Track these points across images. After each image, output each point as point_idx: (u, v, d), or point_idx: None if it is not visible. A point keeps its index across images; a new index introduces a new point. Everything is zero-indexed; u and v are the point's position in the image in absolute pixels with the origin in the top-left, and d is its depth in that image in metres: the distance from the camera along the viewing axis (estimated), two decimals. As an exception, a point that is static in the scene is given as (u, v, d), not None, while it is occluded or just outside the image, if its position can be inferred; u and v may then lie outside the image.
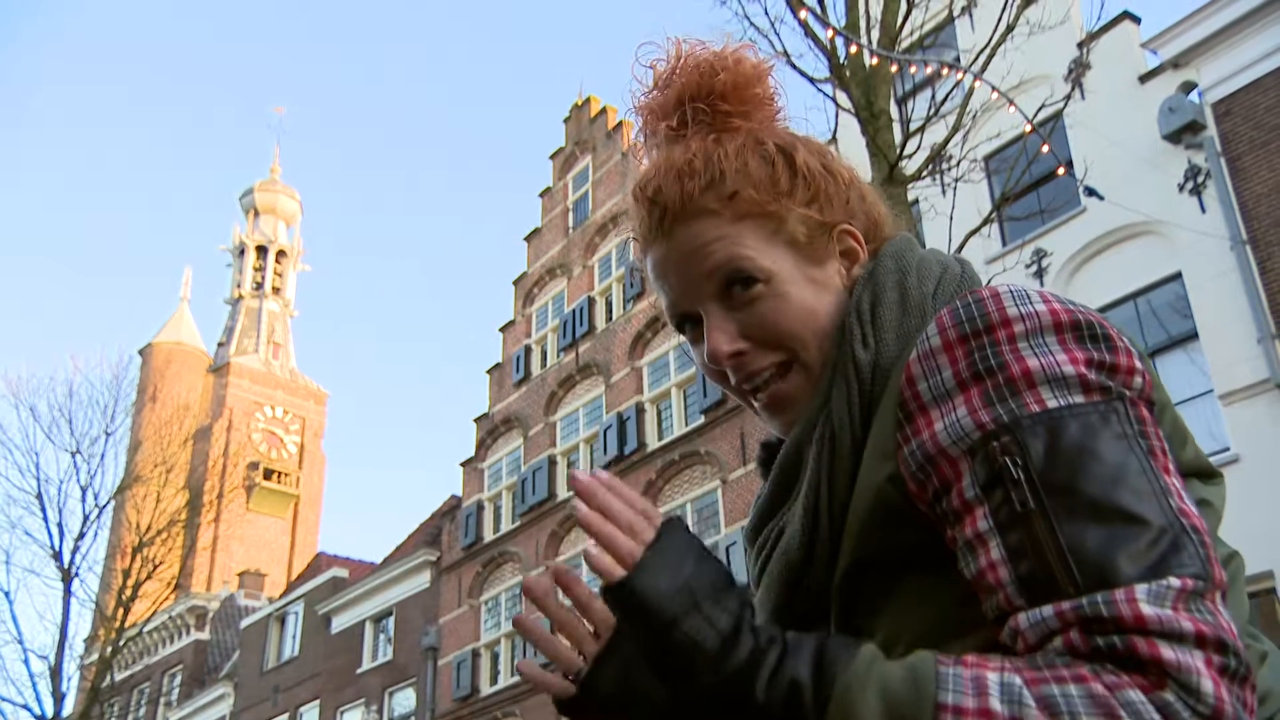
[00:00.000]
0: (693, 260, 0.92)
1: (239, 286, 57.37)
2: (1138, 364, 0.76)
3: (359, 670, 22.89)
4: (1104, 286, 11.84)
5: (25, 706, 19.28)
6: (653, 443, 18.06)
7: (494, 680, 19.62)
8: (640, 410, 18.52)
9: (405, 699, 21.64)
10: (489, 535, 20.96)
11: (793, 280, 0.92)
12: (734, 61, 0.97)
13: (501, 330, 23.17)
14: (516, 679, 18.87)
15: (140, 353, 48.61)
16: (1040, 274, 12.31)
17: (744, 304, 0.91)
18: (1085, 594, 0.68)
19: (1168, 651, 0.65)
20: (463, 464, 22.54)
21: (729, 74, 0.96)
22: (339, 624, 24.11)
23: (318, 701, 23.78)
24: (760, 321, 0.91)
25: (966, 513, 0.74)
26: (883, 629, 0.82)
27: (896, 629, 0.81)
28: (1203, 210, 11.13)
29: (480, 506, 21.43)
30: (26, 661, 19.18)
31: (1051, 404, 0.73)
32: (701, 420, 17.16)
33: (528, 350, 22.02)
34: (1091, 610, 0.67)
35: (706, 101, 0.96)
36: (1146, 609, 0.66)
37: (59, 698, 19.08)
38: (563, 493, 19.57)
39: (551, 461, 20.06)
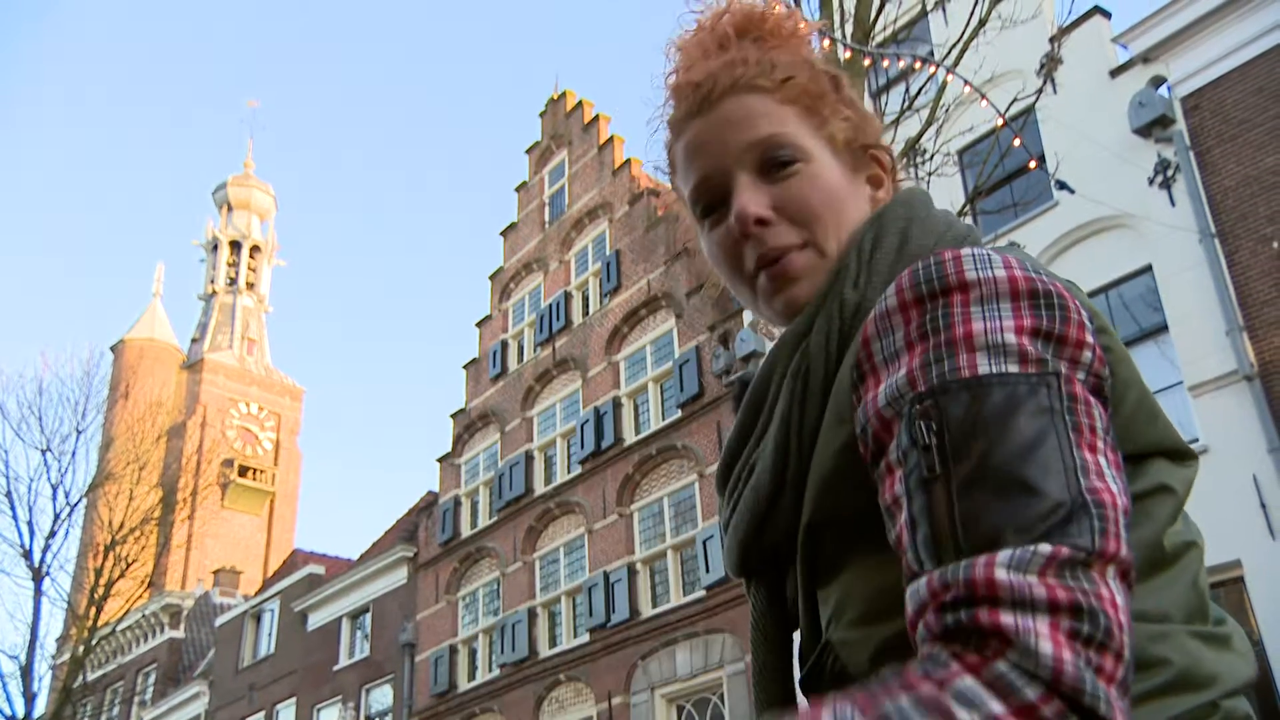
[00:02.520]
0: (736, 129, 0.93)
1: (213, 282, 56.85)
2: (1089, 338, 0.74)
3: (336, 667, 22.79)
4: (1076, 279, 11.62)
5: None
6: (630, 437, 18.06)
7: (472, 676, 19.59)
8: (617, 405, 18.52)
9: (383, 696, 21.56)
10: (466, 531, 20.91)
11: (830, 168, 0.93)
12: (778, 14, 1.00)
13: (478, 325, 23.10)
14: (494, 674, 18.86)
15: (112, 349, 48.07)
16: (1013, 267, 12.40)
17: (780, 180, 0.92)
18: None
19: (1007, 618, 0.63)
20: (440, 459, 22.47)
21: (774, 21, 0.99)
22: (315, 621, 23.98)
23: (294, 699, 23.65)
24: (794, 197, 0.92)
25: (889, 475, 0.73)
26: (835, 593, 0.83)
27: (845, 596, 0.82)
28: (1172, 204, 11.26)
29: (457, 502, 21.37)
30: (-7, 661, 18.98)
31: (983, 370, 0.71)
32: (678, 415, 17.19)
33: (504, 345, 21.97)
34: (951, 578, 0.65)
35: (753, 38, 0.98)
36: (1000, 574, 0.64)
37: (30, 698, 18.89)
38: (540, 488, 19.55)
39: (529, 457, 20.03)
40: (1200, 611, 0.78)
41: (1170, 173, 11.31)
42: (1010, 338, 0.72)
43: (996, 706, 0.60)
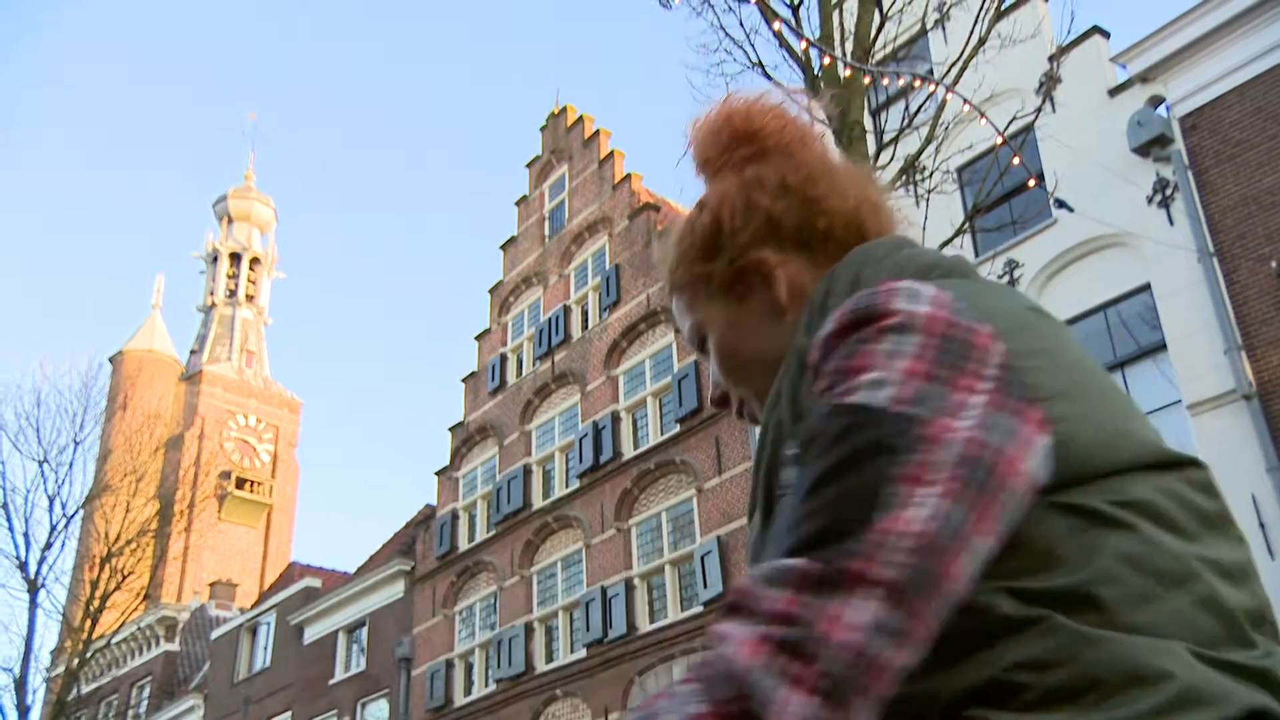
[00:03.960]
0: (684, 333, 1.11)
1: (212, 294, 56.86)
2: (982, 385, 0.73)
3: (331, 681, 22.69)
4: (1075, 297, 11.97)
5: None
6: (628, 451, 18.05)
7: (468, 691, 19.51)
8: (616, 419, 18.51)
9: (379, 710, 21.46)
10: (464, 544, 20.86)
11: (725, 326, 1.03)
12: (738, 110, 1.07)
13: (477, 339, 23.11)
14: (491, 689, 18.77)
15: (111, 360, 48.05)
16: (1013, 284, 12.43)
17: (709, 356, 1.06)
18: None
19: (724, 626, 0.69)
20: (438, 473, 22.43)
21: (733, 124, 1.06)
22: (311, 634, 23.89)
23: (289, 713, 23.53)
24: (719, 368, 1.04)
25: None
26: None
27: None
28: (1170, 223, 11.29)
29: (455, 516, 21.33)
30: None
31: (850, 400, 0.73)
32: (677, 429, 17.17)
33: (503, 359, 21.97)
34: (729, 595, 0.72)
35: (720, 157, 1.07)
36: (746, 584, 0.70)
37: (24, 711, 18.80)
38: (538, 502, 19.52)
39: (527, 471, 20.01)
40: (1214, 636, 0.72)
41: (1169, 192, 11.35)
42: (895, 375, 0.73)
43: (693, 706, 0.67)
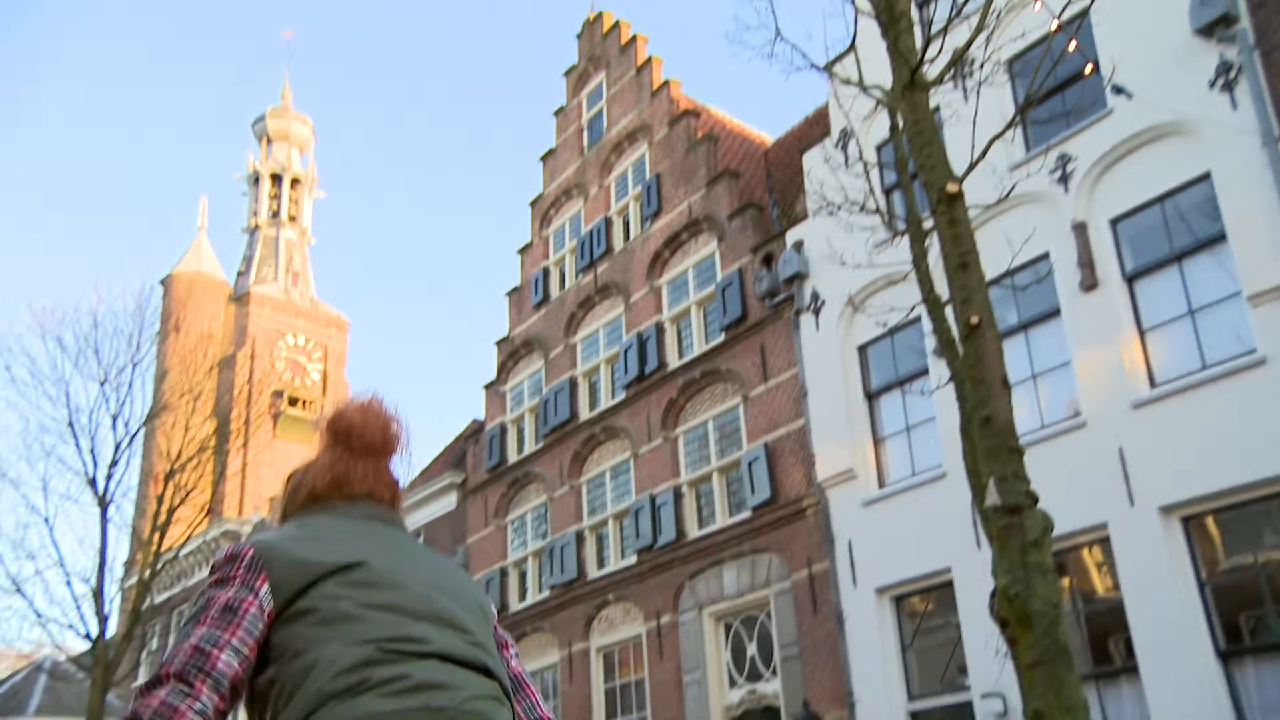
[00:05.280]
0: None
1: (255, 215, 57.12)
2: (238, 570, 1.62)
3: (390, 590, 23.40)
4: (1130, 190, 11.61)
5: (71, 626, 19.93)
6: (673, 362, 18.07)
7: (522, 597, 20.02)
8: (660, 329, 18.49)
9: (436, 616, 22.13)
10: (513, 457, 21.17)
11: None
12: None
13: (520, 252, 23.08)
14: (544, 595, 19.24)
15: (161, 283, 48.81)
16: (1065, 179, 12.07)
17: None
18: None
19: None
20: (485, 387, 22.68)
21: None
22: (369, 545, 24.58)
23: (351, 620, 24.35)
24: None
25: None
26: None
27: None
28: (1234, 107, 10.83)
29: (503, 429, 21.61)
30: (69, 584, 19.74)
31: (208, 586, 1.64)
32: (722, 338, 17.13)
33: (546, 272, 21.95)
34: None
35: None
36: (139, 685, 1.63)
37: (102, 619, 19.66)
38: (585, 413, 19.69)
39: (573, 383, 20.15)
40: (349, 674, 1.51)
41: (1232, 74, 10.85)
42: (213, 574, 1.65)
43: None
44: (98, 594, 19.54)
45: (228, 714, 1.52)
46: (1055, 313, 12.12)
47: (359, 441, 1.84)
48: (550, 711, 1.85)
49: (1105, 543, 11.18)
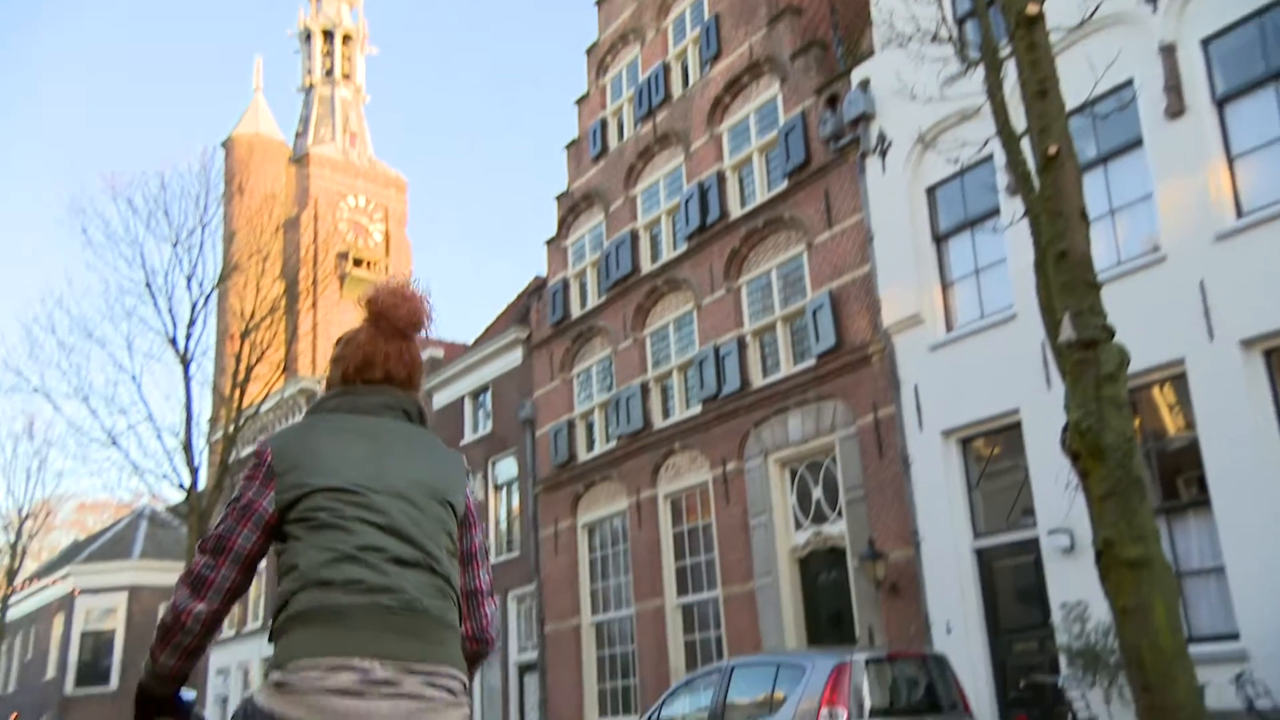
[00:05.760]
0: None
1: (309, 74, 56.58)
2: (259, 471, 2.14)
3: (463, 442, 24.14)
4: (1224, 6, 10.95)
5: (165, 477, 21.16)
6: (735, 211, 17.82)
7: (590, 447, 20.50)
8: (721, 178, 18.17)
9: (508, 467, 22.86)
10: (576, 311, 21.33)
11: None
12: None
13: (577, 104, 22.64)
14: (611, 445, 19.70)
15: (222, 145, 49.11)
16: None
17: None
18: None
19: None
20: (547, 243, 22.69)
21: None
22: (439, 400, 25.26)
23: (426, 471, 25.24)
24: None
25: None
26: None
27: None
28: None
29: (566, 284, 21.71)
30: (160, 438, 20.86)
31: (243, 478, 2.19)
32: (785, 184, 16.79)
33: (604, 123, 21.55)
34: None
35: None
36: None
37: (193, 470, 20.79)
38: (647, 266, 19.65)
39: (634, 236, 20.04)
40: (321, 569, 2.02)
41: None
42: (246, 470, 2.20)
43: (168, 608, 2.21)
44: (186, 447, 20.58)
45: (247, 583, 2.15)
46: (1137, 143, 11.62)
47: (387, 324, 2.29)
48: (488, 581, 2.33)
49: (1179, 380, 11.02)
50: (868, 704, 7.42)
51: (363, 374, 2.29)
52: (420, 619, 2.00)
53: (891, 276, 14.46)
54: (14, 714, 41.97)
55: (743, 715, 8.08)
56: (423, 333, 2.34)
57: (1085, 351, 6.77)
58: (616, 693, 18.97)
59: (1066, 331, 6.84)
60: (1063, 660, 11.18)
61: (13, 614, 41.24)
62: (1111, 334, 6.83)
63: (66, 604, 39.74)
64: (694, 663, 16.66)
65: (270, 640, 2.05)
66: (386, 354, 2.29)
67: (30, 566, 43.49)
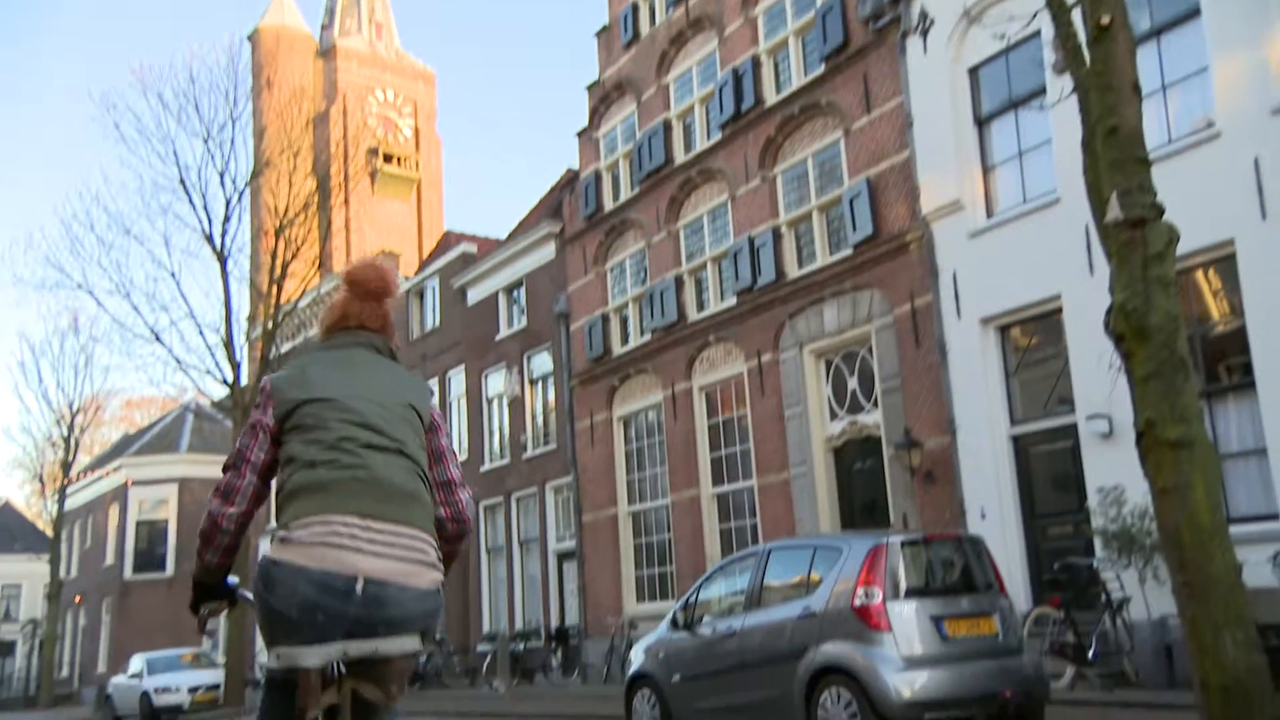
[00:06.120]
0: None
1: (332, -40, 55.33)
2: (265, 398, 2.75)
3: (497, 337, 24.31)
4: None
5: (209, 373, 21.54)
6: (770, 97, 17.39)
7: (624, 341, 20.56)
8: (756, 63, 17.69)
9: (542, 361, 23.03)
10: (609, 204, 21.13)
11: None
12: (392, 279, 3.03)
13: (606, -12, 21.98)
14: (646, 339, 19.74)
15: (249, 38, 48.47)
16: None
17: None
18: None
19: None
20: (578, 134, 22.35)
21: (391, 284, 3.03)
22: (474, 296, 25.35)
23: (463, 366, 25.57)
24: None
25: None
26: None
27: None
28: None
29: (598, 176, 21.45)
30: (202, 334, 21.17)
31: (255, 407, 2.83)
32: (822, 69, 16.32)
33: (635, 8, 20.94)
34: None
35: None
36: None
37: (235, 365, 21.14)
38: (680, 156, 19.34)
39: (666, 126, 19.67)
40: (314, 459, 2.59)
41: None
42: (257, 399, 2.82)
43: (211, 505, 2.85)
44: (227, 343, 20.89)
45: (266, 489, 2.70)
46: (1194, 13, 11.13)
47: (360, 289, 2.89)
48: (458, 473, 2.85)
49: (1226, 261, 10.79)
50: (903, 585, 7.52)
51: (340, 325, 2.87)
52: (389, 489, 2.55)
53: (931, 162, 14.13)
54: (77, 596, 43.99)
55: (779, 597, 8.23)
56: (390, 298, 2.92)
57: (1133, 231, 6.60)
58: (653, 579, 19.44)
59: (1114, 211, 6.67)
60: (1097, 543, 11.27)
61: (70, 504, 42.83)
62: (1161, 212, 6.65)
63: (120, 495, 41.19)
64: (729, 550, 16.98)
65: (275, 515, 2.60)
66: (360, 311, 2.87)
67: (83, 461, 44.95)
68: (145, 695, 21.81)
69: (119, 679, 23.92)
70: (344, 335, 2.83)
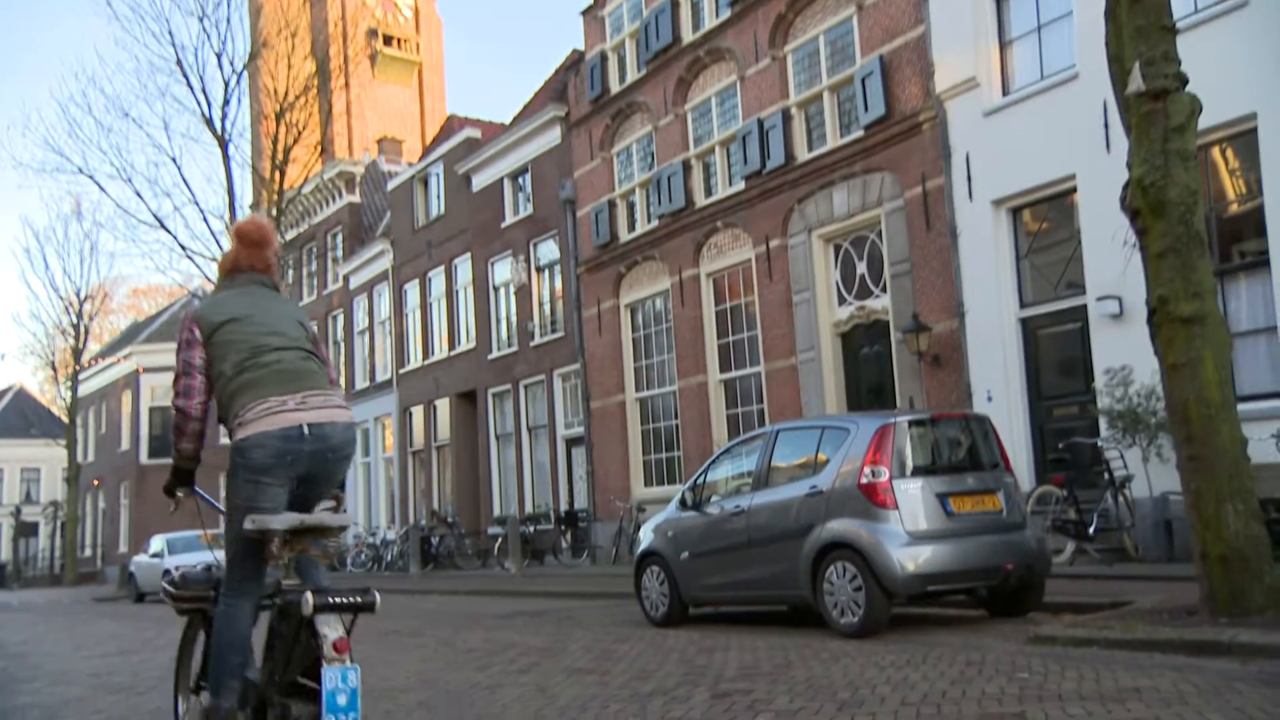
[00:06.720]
0: None
1: None
2: (190, 328, 3.65)
3: (503, 224, 24.10)
4: None
5: (214, 259, 21.47)
6: (782, -29, 16.78)
7: (631, 227, 20.37)
8: (767, -65, 17.02)
9: (549, 249, 22.88)
10: (615, 86, 20.66)
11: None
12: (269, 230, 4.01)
13: None
14: (653, 225, 19.55)
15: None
16: None
17: None
18: None
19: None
20: (583, 13, 21.70)
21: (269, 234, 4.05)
22: (479, 182, 25.04)
23: (469, 254, 25.42)
24: None
25: None
26: None
27: None
28: None
29: (604, 58, 20.92)
30: (206, 220, 21.01)
31: (181, 332, 3.73)
32: (836, -60, 15.70)
33: (641, -123, 20.07)
34: None
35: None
36: None
37: (240, 255, 21.03)
38: (688, 35, 18.82)
39: (674, 2, 19.07)
40: (242, 362, 3.55)
41: None
42: (182, 329, 3.70)
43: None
44: (230, 229, 20.78)
45: (210, 386, 3.55)
46: None
47: (246, 239, 3.79)
48: (327, 356, 3.80)
49: (1246, 137, 10.55)
50: (910, 463, 7.60)
51: (235, 269, 3.81)
52: (300, 370, 3.54)
53: (947, 37, 13.73)
54: (95, 480, 44.96)
55: (787, 477, 8.33)
56: (269, 247, 3.84)
57: (1154, 103, 6.45)
58: (661, 464, 19.73)
59: (1136, 81, 6.49)
60: (1103, 423, 11.35)
61: (83, 390, 43.38)
62: (1184, 83, 6.47)
63: (132, 382, 41.69)
64: (737, 435, 17.17)
65: (219, 419, 3.55)
66: (249, 256, 3.79)
67: (93, 348, 45.30)
68: (167, 573, 22.39)
69: (140, 558, 24.60)
70: (240, 276, 3.77)
